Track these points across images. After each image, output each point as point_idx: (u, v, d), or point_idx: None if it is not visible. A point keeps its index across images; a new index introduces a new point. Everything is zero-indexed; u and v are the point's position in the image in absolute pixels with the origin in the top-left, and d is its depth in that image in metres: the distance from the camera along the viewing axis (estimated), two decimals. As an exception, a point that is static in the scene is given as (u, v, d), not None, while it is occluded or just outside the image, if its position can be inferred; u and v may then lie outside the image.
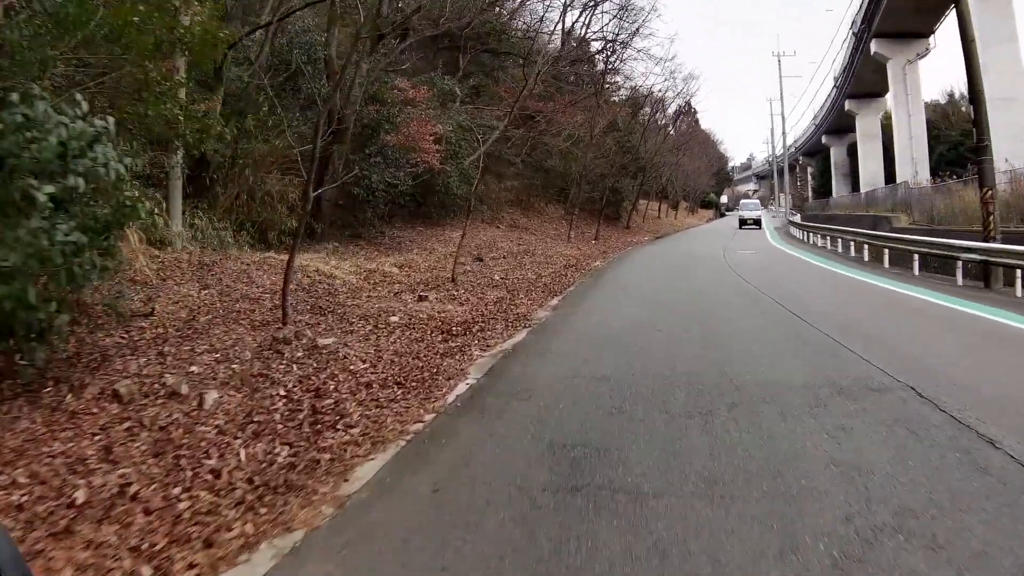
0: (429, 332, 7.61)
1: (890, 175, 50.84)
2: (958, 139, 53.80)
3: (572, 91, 26.03)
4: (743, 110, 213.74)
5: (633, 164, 29.05)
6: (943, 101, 59.28)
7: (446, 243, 17.87)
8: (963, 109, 58.78)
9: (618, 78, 27.20)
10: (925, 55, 47.10)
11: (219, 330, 7.82)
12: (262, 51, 16.22)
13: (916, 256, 14.52)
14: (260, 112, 15.88)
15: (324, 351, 6.34)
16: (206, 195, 14.88)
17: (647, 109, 33.58)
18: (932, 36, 46.59)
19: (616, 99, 29.30)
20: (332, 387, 5.46)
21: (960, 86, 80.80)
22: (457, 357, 6.48)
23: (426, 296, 9.57)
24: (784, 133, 56.01)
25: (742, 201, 51.99)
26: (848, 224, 34.11)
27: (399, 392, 5.40)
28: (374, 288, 11.19)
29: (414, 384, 5.61)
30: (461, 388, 5.48)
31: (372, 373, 5.89)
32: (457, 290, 11.11)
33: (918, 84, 46.83)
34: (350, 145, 17.50)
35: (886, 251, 16.13)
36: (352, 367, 6.03)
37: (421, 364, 6.20)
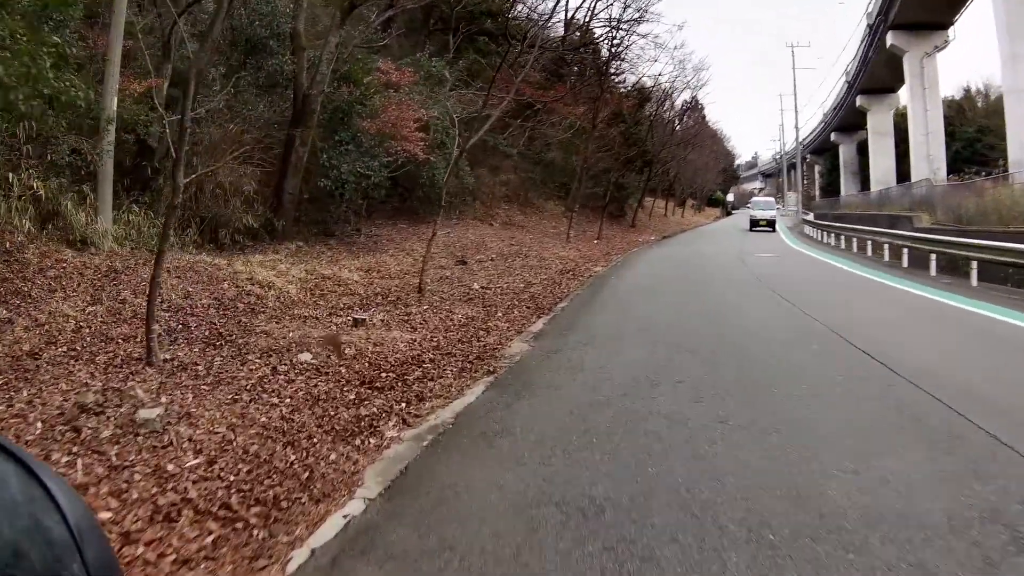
0: (343, 383, 5.02)
1: (901, 173, 47.91)
2: (974, 136, 50.85)
3: (575, 82, 23.36)
4: (743, 109, 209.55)
5: (639, 158, 26.20)
6: (958, 97, 56.22)
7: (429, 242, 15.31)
8: (979, 105, 55.73)
9: (624, 64, 24.40)
10: (944, 47, 44.27)
11: (52, 374, 5.30)
12: (216, 19, 13.66)
13: (975, 264, 11.83)
14: (211, 92, 13.42)
15: (143, 431, 3.78)
16: (149, 188, 12.49)
17: (653, 101, 30.64)
18: (951, 28, 43.82)
19: (622, 88, 26.51)
20: (101, 517, 2.91)
21: (976, 81, 77.58)
22: (359, 441, 3.88)
23: (363, 320, 6.97)
24: (797, 127, 52.86)
25: (753, 199, 44.48)
26: (861, 223, 31.31)
27: (214, 535, 2.82)
28: (315, 303, 8.65)
29: (253, 513, 3.02)
30: (330, 529, 2.88)
31: (197, 480, 3.31)
32: (420, 305, 8.54)
33: (936, 78, 43.93)
34: (319, 131, 14.97)
35: (932, 256, 13.44)
36: (172, 464, 3.45)
37: (292, 458, 3.61)
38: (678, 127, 37.49)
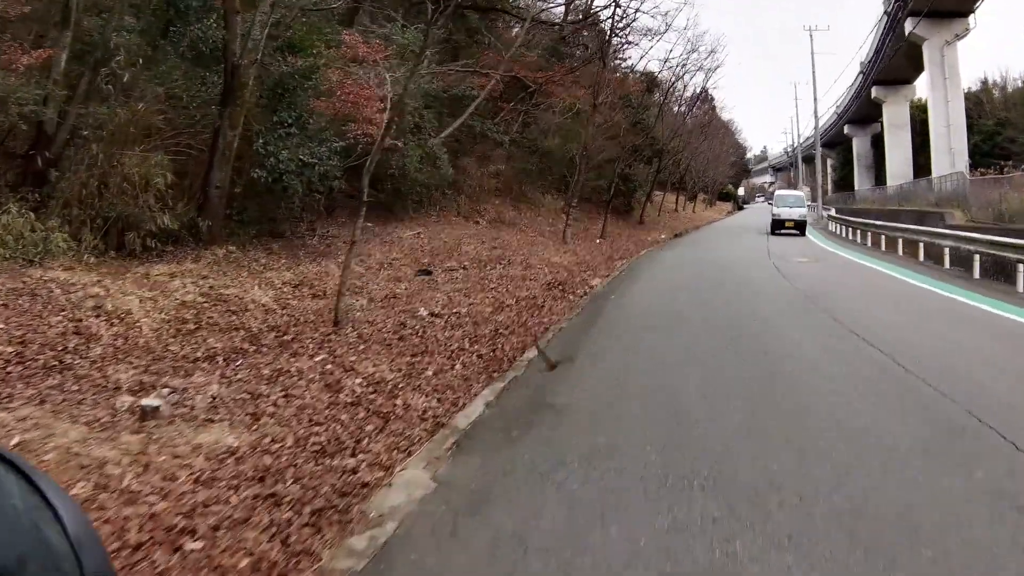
0: None
1: (918, 167, 44.23)
2: (994, 129, 46.90)
3: (575, 62, 19.97)
4: (747, 103, 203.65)
5: (648, 147, 22.52)
6: (975, 88, 52.08)
7: (393, 245, 12.15)
8: (996, 96, 51.59)
9: (630, 38, 20.63)
10: (964, 35, 40.61)
11: None
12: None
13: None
14: (114, 63, 10.38)
15: None
16: (43, 183, 9.59)
17: (662, 85, 26.83)
18: (972, 16, 40.19)
19: (627, 70, 23.01)
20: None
21: (993, 73, 73.08)
22: None
23: (155, 408, 3.73)
24: (816, 115, 48.54)
25: (776, 192, 31.96)
26: (881, 219, 27.67)
27: None
28: (162, 350, 5.52)
29: None
30: None
31: None
32: (317, 354, 5.36)
33: (957, 67, 40.24)
34: (258, 112, 11.82)
35: (1021, 267, 10.09)
36: None
37: None
38: (688, 117, 33.75)
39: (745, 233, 26.45)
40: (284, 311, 7.38)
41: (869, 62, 45.74)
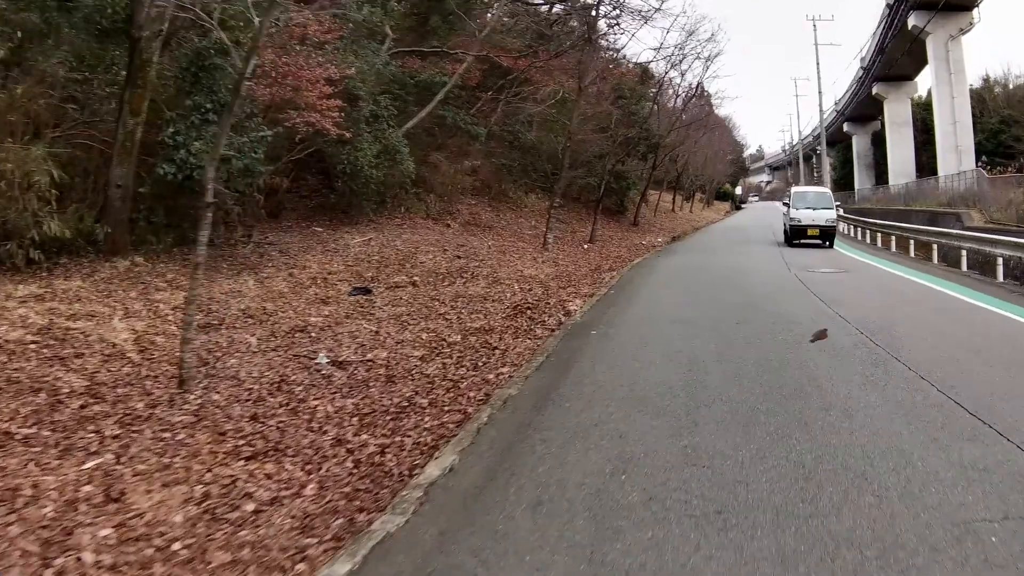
0: None
1: (920, 166, 42.10)
2: (997, 127, 44.69)
3: (560, 46, 17.82)
4: (741, 99, 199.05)
5: (643, 141, 20.08)
6: (976, 85, 49.83)
7: (337, 254, 10.05)
8: (996, 92, 49.38)
9: (623, 22, 18.18)
10: (969, 30, 38.44)
11: None
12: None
13: None
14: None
15: None
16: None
17: (657, 76, 24.37)
18: (976, 9, 38.05)
19: (619, 55, 20.69)
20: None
21: (995, 69, 70.38)
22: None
23: None
24: (821, 108, 46.14)
25: (794, 190, 22.61)
26: (888, 219, 25.65)
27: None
28: None
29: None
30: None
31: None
32: (98, 452, 3.31)
33: (962, 62, 38.06)
34: (171, 94, 9.73)
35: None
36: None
37: None
38: (684, 113, 31.41)
39: (749, 235, 23.97)
40: (139, 355, 5.30)
41: (870, 58, 43.66)
